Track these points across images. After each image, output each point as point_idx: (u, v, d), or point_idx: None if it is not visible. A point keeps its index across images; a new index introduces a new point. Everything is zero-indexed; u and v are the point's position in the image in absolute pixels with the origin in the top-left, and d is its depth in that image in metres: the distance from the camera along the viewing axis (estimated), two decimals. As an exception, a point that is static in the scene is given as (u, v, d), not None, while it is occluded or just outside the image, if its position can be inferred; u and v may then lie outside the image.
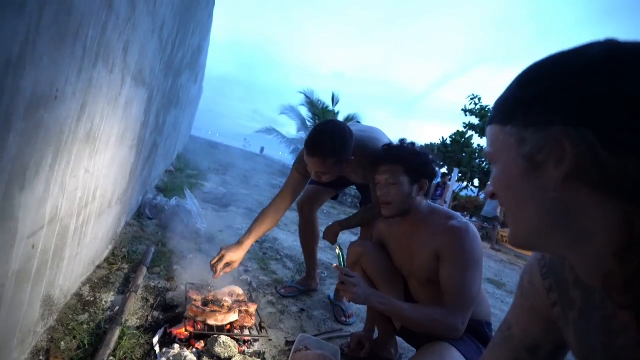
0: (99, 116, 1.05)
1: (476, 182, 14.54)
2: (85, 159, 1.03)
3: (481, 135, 14.25)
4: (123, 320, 1.19)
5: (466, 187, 14.62)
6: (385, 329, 1.43)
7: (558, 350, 0.59)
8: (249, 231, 1.52)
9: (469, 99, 14.36)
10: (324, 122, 1.43)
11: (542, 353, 0.60)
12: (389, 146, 1.29)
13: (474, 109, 14.23)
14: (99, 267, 1.56)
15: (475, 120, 14.27)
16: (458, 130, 14.88)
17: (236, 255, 1.44)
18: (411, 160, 1.21)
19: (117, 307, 1.28)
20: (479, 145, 14.45)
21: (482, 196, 13.70)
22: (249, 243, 1.49)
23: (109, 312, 1.26)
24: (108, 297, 1.36)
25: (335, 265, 1.20)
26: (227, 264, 1.44)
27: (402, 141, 1.30)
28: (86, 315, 1.21)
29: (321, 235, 1.89)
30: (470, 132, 14.58)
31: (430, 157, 1.23)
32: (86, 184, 1.11)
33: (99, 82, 0.96)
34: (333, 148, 1.33)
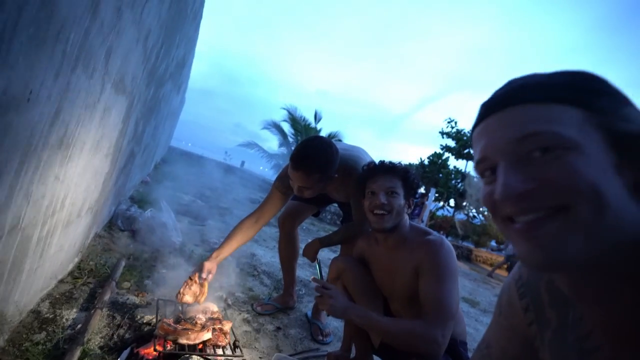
0: (75, 122, 1.01)
1: (452, 202, 14.95)
2: (56, 166, 0.98)
3: (457, 157, 14.79)
4: (85, 339, 1.11)
5: (442, 207, 15.00)
6: (362, 347, 1.40)
7: None
8: (220, 246, 1.54)
9: (446, 122, 14.96)
10: (310, 138, 1.44)
11: None
12: (384, 161, 1.31)
13: (451, 132, 14.82)
14: (61, 281, 1.46)
15: (451, 143, 14.83)
16: (435, 152, 15.40)
17: (209, 264, 1.45)
18: (407, 176, 1.24)
19: (79, 325, 1.20)
20: (455, 166, 14.97)
21: (457, 216, 14.05)
22: (215, 257, 1.50)
23: (69, 331, 1.17)
24: (70, 314, 1.27)
25: (313, 277, 1.18)
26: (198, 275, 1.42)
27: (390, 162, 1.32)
28: (43, 335, 1.11)
29: (301, 252, 1.87)
30: (447, 154, 15.10)
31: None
32: (55, 192, 1.05)
33: (77, 87, 0.92)
34: (318, 164, 1.34)
